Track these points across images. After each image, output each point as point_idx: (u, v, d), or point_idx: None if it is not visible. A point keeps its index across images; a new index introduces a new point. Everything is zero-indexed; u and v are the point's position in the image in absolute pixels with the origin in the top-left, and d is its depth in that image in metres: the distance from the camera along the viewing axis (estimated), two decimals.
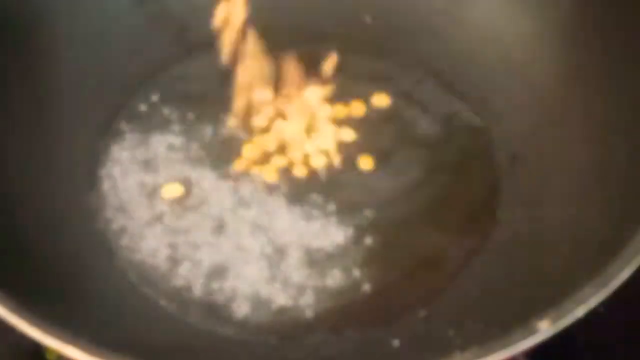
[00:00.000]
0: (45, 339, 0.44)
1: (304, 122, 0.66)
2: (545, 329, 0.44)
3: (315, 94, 0.67)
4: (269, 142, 0.65)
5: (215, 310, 0.57)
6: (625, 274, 0.46)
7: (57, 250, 0.56)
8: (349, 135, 0.66)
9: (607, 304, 0.46)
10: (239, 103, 0.66)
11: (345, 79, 0.68)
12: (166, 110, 0.67)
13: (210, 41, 0.65)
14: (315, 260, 0.59)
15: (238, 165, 0.63)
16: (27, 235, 0.55)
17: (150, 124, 0.66)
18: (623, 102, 0.57)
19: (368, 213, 0.62)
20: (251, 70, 0.66)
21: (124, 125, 0.66)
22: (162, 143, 0.65)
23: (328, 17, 0.71)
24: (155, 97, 0.67)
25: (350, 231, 0.61)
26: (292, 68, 0.67)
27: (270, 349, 0.55)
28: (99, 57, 0.67)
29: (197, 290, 0.58)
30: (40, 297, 0.48)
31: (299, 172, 0.64)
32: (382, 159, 0.65)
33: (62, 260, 0.55)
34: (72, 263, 0.56)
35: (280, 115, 0.66)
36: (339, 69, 0.69)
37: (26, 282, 0.50)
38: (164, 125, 0.66)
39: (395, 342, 0.54)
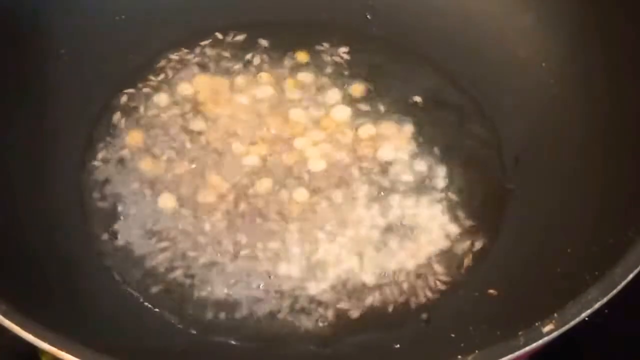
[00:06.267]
0: (39, 342, 0.43)
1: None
2: (549, 332, 0.44)
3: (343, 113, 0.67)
4: None
5: (210, 315, 0.57)
6: (628, 278, 0.46)
7: (50, 255, 0.55)
8: (368, 131, 0.65)
9: (609, 305, 0.46)
10: None
11: (349, 77, 0.68)
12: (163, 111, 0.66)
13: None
14: (315, 267, 0.59)
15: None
16: (21, 240, 0.54)
17: (147, 124, 0.66)
18: (629, 103, 0.57)
19: None
20: None
21: (118, 122, 0.65)
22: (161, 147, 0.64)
23: (329, 12, 0.71)
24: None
25: None
26: None
27: (268, 354, 0.55)
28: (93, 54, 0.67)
29: (192, 296, 0.57)
30: (34, 301, 0.48)
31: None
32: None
33: (56, 265, 0.55)
34: (66, 267, 0.56)
35: None
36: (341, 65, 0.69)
37: (20, 286, 0.49)
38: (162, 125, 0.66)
39: (396, 346, 0.54)
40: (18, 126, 0.60)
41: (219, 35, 0.70)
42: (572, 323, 0.44)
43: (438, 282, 0.58)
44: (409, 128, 0.65)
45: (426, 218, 0.61)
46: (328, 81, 0.68)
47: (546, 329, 0.44)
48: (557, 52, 0.64)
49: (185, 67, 0.69)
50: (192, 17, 0.70)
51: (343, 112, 0.66)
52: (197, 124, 0.65)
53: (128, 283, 0.58)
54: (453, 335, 0.52)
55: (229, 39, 0.70)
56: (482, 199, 0.62)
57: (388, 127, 0.65)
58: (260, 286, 0.58)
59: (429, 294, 0.58)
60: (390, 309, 0.57)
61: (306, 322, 0.57)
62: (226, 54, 0.69)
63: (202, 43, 0.70)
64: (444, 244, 0.60)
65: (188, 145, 0.64)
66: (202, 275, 0.58)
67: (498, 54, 0.67)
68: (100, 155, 0.64)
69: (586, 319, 0.45)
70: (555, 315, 0.44)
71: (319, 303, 0.57)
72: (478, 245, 0.60)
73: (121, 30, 0.68)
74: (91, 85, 0.66)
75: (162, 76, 0.68)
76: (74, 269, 0.56)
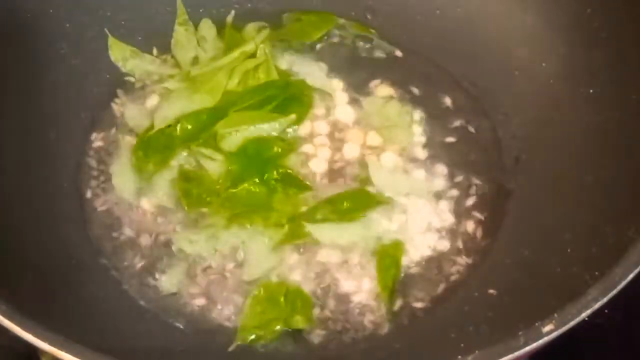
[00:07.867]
0: (39, 342, 0.43)
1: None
2: (549, 332, 0.44)
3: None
4: None
5: (210, 316, 0.57)
6: (628, 278, 0.46)
7: (50, 255, 0.55)
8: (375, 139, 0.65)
9: (609, 305, 0.45)
10: None
11: (349, 75, 0.68)
12: None
13: None
14: (313, 268, 0.59)
15: None
16: (21, 241, 0.54)
17: None
18: (628, 102, 0.57)
19: None
20: None
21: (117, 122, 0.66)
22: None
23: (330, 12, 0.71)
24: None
25: None
26: None
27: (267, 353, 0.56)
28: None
29: (190, 300, 0.58)
30: (34, 301, 0.48)
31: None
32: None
33: (56, 265, 0.55)
34: (66, 268, 0.56)
35: None
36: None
37: (20, 286, 0.50)
38: None
39: (396, 346, 0.54)
40: (16, 127, 0.60)
41: None
42: (572, 323, 0.44)
43: (438, 282, 0.58)
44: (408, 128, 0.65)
45: (426, 218, 0.61)
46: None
47: (546, 329, 0.44)
48: (557, 52, 0.64)
49: None
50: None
51: (345, 113, 0.66)
52: None
53: (128, 283, 0.58)
54: (453, 335, 0.52)
55: None
56: (482, 199, 0.62)
57: (387, 127, 0.65)
58: None
59: (429, 294, 0.58)
60: (390, 309, 0.57)
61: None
62: None
63: None
64: (443, 244, 0.60)
65: None
66: (201, 277, 0.59)
67: (498, 54, 0.67)
68: (99, 156, 0.64)
69: (586, 319, 0.45)
70: (555, 315, 0.44)
71: (319, 304, 0.58)
72: (478, 245, 0.60)
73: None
74: (90, 85, 0.66)
75: None
76: (73, 269, 0.57)
